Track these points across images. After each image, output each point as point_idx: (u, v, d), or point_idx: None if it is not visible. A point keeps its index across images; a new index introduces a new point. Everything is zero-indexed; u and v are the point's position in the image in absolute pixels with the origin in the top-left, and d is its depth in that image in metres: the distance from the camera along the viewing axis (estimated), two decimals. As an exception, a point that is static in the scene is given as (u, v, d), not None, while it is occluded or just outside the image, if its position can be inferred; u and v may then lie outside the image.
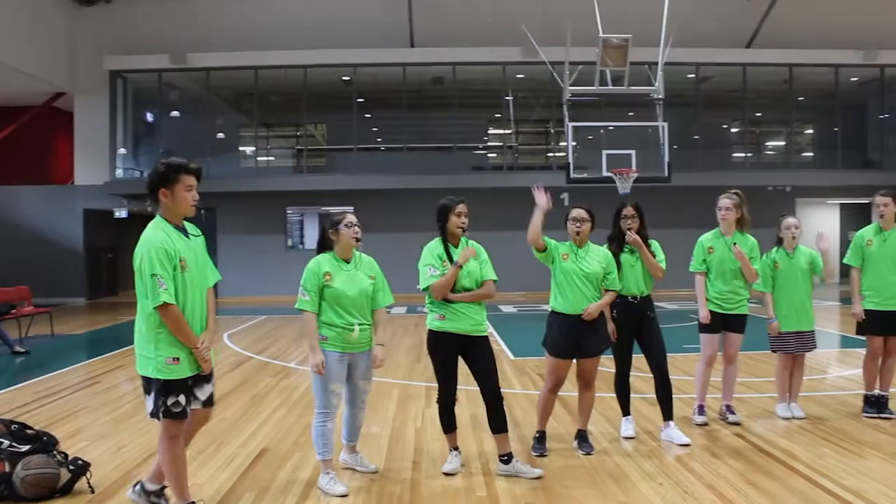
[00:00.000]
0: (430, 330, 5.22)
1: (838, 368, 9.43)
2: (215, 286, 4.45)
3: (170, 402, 4.08)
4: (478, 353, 5.18)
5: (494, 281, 5.28)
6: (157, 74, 20.93)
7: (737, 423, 6.46)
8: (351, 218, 4.98)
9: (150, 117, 22.49)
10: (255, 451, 5.93)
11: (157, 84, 21.11)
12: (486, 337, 5.27)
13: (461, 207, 5.21)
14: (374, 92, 22.48)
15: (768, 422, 6.59)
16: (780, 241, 6.78)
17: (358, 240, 4.99)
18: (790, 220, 6.76)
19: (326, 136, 23.97)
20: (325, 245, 5.08)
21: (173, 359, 4.07)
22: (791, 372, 6.80)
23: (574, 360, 5.67)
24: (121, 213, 20.81)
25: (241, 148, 23.38)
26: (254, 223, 21.37)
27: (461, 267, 5.12)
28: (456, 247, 5.22)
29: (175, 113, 22.91)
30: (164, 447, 4.20)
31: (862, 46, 20.99)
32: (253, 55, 20.36)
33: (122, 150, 21.69)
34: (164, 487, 4.50)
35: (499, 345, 11.57)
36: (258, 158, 22.81)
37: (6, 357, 11.27)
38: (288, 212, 21.86)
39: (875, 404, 6.74)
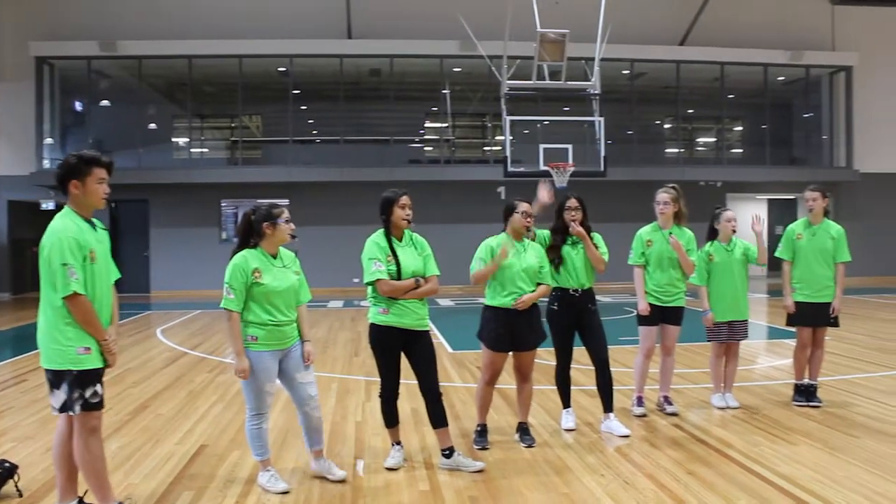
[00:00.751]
0: (372, 324, 5.17)
1: (769, 359, 9.69)
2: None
3: (87, 393, 3.98)
4: (419, 348, 5.15)
5: (437, 276, 5.27)
6: (87, 62, 20.27)
7: (674, 414, 6.59)
8: (287, 213, 4.88)
9: (78, 106, 21.78)
10: (193, 448, 5.79)
11: (87, 72, 20.45)
12: (428, 332, 5.25)
13: (405, 199, 5.16)
14: (311, 83, 22.20)
15: (704, 412, 6.74)
16: (713, 234, 6.94)
17: (294, 236, 4.88)
18: (729, 214, 6.93)
19: (262, 128, 23.59)
20: (249, 239, 4.85)
21: (84, 348, 3.99)
22: (725, 362, 6.98)
23: (510, 354, 5.70)
24: (47, 205, 20.09)
25: (174, 139, 22.84)
26: (187, 216, 20.91)
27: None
28: (399, 240, 5.18)
29: (105, 102, 22.24)
30: (83, 443, 4.04)
31: (789, 47, 21.63)
32: (187, 44, 19.87)
33: (48, 140, 20.95)
34: (80, 500, 4.28)
35: (437, 338, 11.56)
36: (192, 150, 22.31)
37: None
38: (222, 204, 21.44)
39: (804, 393, 6.94)
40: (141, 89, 21.05)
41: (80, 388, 3.97)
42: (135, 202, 20.38)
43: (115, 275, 4.35)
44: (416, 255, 5.17)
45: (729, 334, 6.89)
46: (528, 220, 5.61)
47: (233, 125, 22.58)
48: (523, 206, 5.63)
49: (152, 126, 22.20)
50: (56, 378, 4.00)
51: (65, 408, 4.00)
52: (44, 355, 4.04)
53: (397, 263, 5.04)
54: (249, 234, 4.85)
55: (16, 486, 4.78)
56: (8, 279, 20.56)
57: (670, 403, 6.69)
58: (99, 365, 4.05)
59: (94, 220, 4.24)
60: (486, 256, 5.56)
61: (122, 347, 11.58)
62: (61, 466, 4.19)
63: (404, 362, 5.22)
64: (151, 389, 8.05)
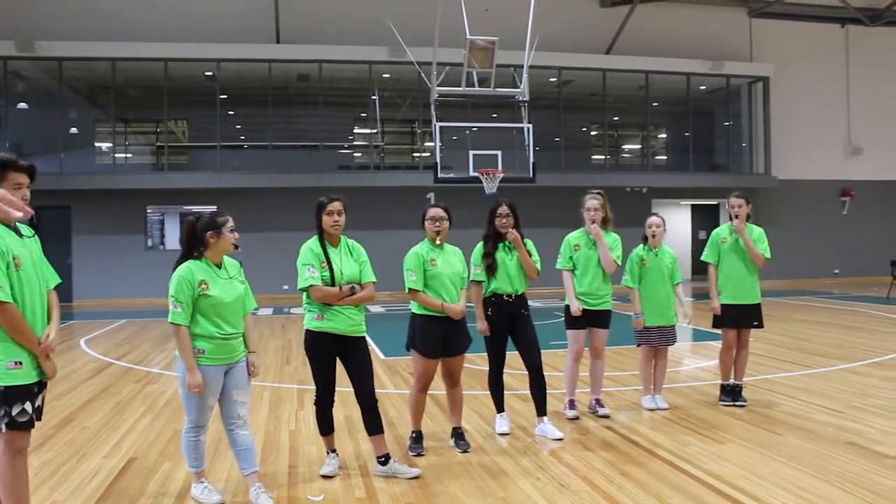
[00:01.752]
0: (307, 330, 5.12)
1: (695, 360, 9.94)
2: (56, 288, 4.18)
3: (14, 411, 3.73)
4: (355, 354, 5.13)
5: (374, 282, 5.25)
6: (2, 62, 19.56)
7: (606, 416, 6.70)
8: (232, 222, 4.72)
9: (-7, 108, 21.00)
10: (122, 461, 5.63)
11: (2, 72, 19.73)
12: (364, 338, 5.23)
13: (333, 206, 5.09)
14: (239, 88, 21.90)
15: (634, 413, 6.88)
16: (645, 239, 7.10)
17: (237, 246, 4.74)
18: (652, 219, 7.10)
19: (188, 133, 23.14)
20: (192, 248, 4.66)
21: (15, 362, 3.73)
22: (654, 364, 7.14)
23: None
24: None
25: (97, 144, 22.23)
26: (111, 223, 20.35)
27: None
28: (335, 246, 5.15)
29: (24, 105, 21.50)
30: (5, 464, 3.80)
31: (710, 57, 22.32)
32: (110, 46, 19.35)
33: (-42, 144, 20.18)
34: None
35: (370, 345, 11.52)
36: (116, 155, 21.75)
37: None
38: (148, 211, 20.97)
39: (730, 393, 7.15)
40: (62, 92, 20.39)
41: (6, 405, 3.73)
42: (56, 209, 19.73)
43: (54, 279, 4.12)
44: (351, 261, 5.15)
45: (660, 339, 7.05)
46: (438, 225, 5.63)
47: (158, 130, 22.09)
48: (431, 212, 5.67)
49: (74, 130, 21.55)
50: None
51: None
52: None
53: (331, 270, 5.01)
54: (193, 244, 4.66)
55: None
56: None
57: (602, 406, 6.81)
58: (30, 380, 3.80)
59: (20, 224, 3.99)
60: (417, 267, 5.58)
61: (43, 359, 11.21)
62: None
63: (340, 369, 5.19)
64: (76, 401, 7.80)
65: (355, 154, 23.76)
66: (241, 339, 4.74)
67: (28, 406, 3.79)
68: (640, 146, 25.03)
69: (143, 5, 19.96)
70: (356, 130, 23.69)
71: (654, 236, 7.04)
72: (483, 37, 15.38)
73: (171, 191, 20.25)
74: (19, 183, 3.91)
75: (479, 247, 6.19)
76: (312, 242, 5.13)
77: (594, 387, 6.89)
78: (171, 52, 19.67)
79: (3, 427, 3.73)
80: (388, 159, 23.41)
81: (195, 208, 21.34)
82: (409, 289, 5.64)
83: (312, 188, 18.58)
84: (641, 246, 7.11)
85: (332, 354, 5.11)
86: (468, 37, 15.30)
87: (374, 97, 21.32)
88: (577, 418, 6.65)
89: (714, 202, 23.97)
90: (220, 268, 4.68)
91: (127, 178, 20.38)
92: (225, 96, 21.16)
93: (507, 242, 6.14)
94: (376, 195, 20.55)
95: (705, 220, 24.37)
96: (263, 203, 20.40)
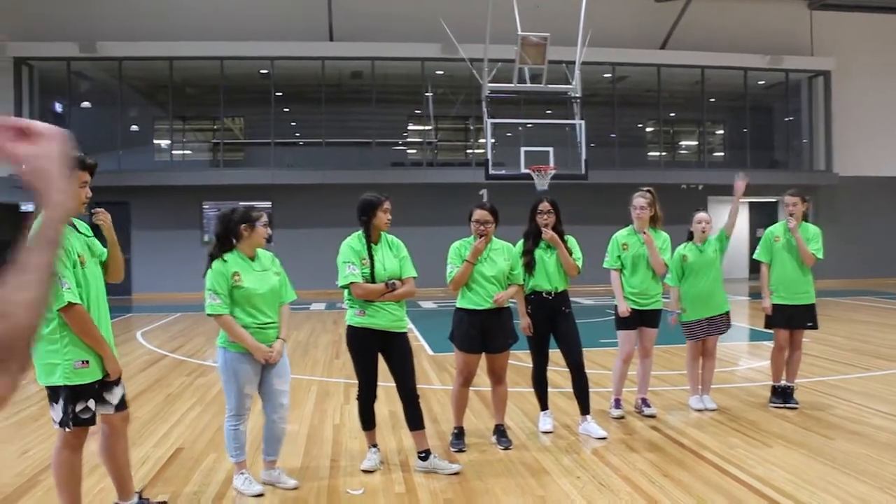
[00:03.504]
0: (349, 326, 5.16)
1: (747, 361, 9.74)
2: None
3: (78, 408, 3.86)
4: (396, 350, 5.15)
5: (414, 278, 5.26)
6: (66, 63, 20.12)
7: (652, 416, 6.60)
8: (266, 216, 4.85)
9: (58, 108, 21.62)
10: (169, 451, 5.76)
11: (66, 73, 20.30)
12: (406, 333, 5.24)
13: (388, 204, 5.18)
14: (293, 86, 22.15)
15: (681, 414, 6.77)
16: (690, 236, 6.98)
17: (269, 240, 4.85)
18: (700, 215, 6.97)
19: (244, 130, 23.51)
20: (227, 241, 4.79)
21: (82, 362, 3.85)
22: (702, 364, 7.00)
23: (483, 356, 5.70)
24: (27, 207, 19.95)
25: (155, 141, 22.71)
26: (169, 218, 20.78)
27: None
28: (376, 243, 5.17)
29: (86, 104, 22.10)
30: (61, 459, 3.97)
31: (768, 52, 21.78)
32: (167, 45, 19.75)
33: (29, 142, 20.78)
34: (139, 495, 4.38)
35: (418, 340, 11.56)
36: (173, 152, 22.21)
37: None
38: (204, 206, 21.34)
39: (781, 395, 6.99)
40: (122, 91, 20.90)
41: (71, 403, 3.85)
42: (116, 204, 20.16)
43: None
44: (392, 256, 5.16)
45: (708, 329, 6.91)
46: (483, 229, 5.56)
47: (215, 127, 22.47)
48: (477, 215, 5.61)
49: (134, 128, 22.08)
50: (53, 393, 3.89)
51: (63, 422, 3.87)
52: (38, 371, 3.87)
53: (372, 266, 5.03)
54: (227, 236, 4.78)
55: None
56: (-14, 282, 20.34)
57: (648, 406, 6.71)
58: (95, 378, 3.92)
59: (77, 222, 4.11)
60: (457, 260, 5.58)
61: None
62: (109, 468, 4.31)
63: (382, 364, 5.21)
64: (129, 393, 7.90)
65: (409, 151, 23.83)
66: (277, 328, 4.81)
67: (91, 403, 3.91)
68: (696, 143, 24.60)
69: (199, 5, 20.32)
70: (410, 127, 23.77)
71: (703, 232, 6.91)
72: (535, 33, 15.30)
73: (227, 187, 20.56)
74: (84, 181, 4.01)
75: (520, 244, 6.15)
76: (353, 239, 5.16)
77: (641, 386, 6.80)
78: (227, 51, 19.98)
79: (71, 425, 3.85)
80: (441, 156, 23.43)
81: (250, 204, 21.63)
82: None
83: (365, 184, 18.61)
84: (685, 244, 6.97)
85: (373, 350, 5.13)
86: (520, 33, 15.23)
87: (427, 94, 21.37)
88: (622, 417, 6.57)
89: (772, 199, 23.36)
90: (253, 260, 4.79)
91: (183, 174, 20.78)
92: (280, 94, 21.42)
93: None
94: (429, 192, 20.59)
95: (763, 217, 23.80)
96: (317, 199, 20.59)
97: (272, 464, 4.94)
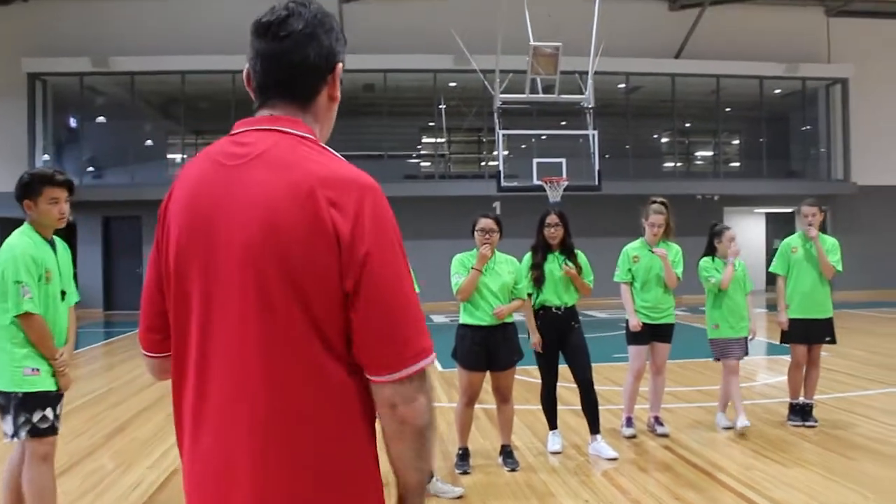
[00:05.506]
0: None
1: (765, 376, 9.49)
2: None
3: (35, 417, 3.77)
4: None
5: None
6: (79, 78, 20.16)
7: (664, 435, 6.38)
8: None
9: (73, 122, 21.68)
10: (164, 474, 5.59)
11: (79, 88, 20.35)
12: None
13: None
14: (306, 98, 22.09)
15: (696, 433, 6.53)
16: (712, 250, 6.70)
17: None
18: (730, 233, 6.65)
19: (256, 144, 23.46)
20: None
21: (32, 369, 3.79)
22: (728, 381, 6.69)
23: (488, 374, 5.52)
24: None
25: (169, 156, 22.71)
26: (180, 232, 20.73)
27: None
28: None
29: (101, 119, 22.17)
30: (34, 473, 3.83)
31: (784, 60, 21.48)
32: (178, 59, 19.75)
33: (45, 157, 20.88)
34: None
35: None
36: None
37: None
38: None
39: (800, 412, 6.75)
40: (135, 105, 20.93)
41: (26, 412, 3.77)
42: (127, 219, 20.21)
43: (74, 297, 4.16)
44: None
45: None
46: (487, 237, 5.43)
47: (228, 141, 22.42)
48: (481, 223, 5.48)
49: (149, 143, 22.13)
50: (5, 401, 3.80)
51: (14, 434, 3.80)
52: None
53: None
54: None
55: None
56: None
57: (661, 424, 6.48)
58: (49, 388, 3.85)
59: (56, 238, 4.08)
60: (462, 270, 5.44)
61: (109, 366, 11.44)
62: (7, 497, 4.01)
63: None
64: (131, 410, 7.85)
65: (422, 164, 23.70)
66: None
67: (49, 413, 3.85)
68: (711, 153, 24.32)
69: (210, 19, 20.29)
70: (424, 140, 23.64)
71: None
72: (547, 43, 15.14)
73: (239, 201, 20.50)
74: (55, 198, 3.94)
75: (527, 258, 5.98)
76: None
77: (654, 404, 6.58)
78: (238, 65, 19.83)
79: (24, 434, 3.77)
80: (454, 168, 23.29)
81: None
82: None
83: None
84: (711, 259, 6.71)
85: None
86: (532, 43, 15.08)
87: (441, 106, 21.26)
88: (634, 436, 6.35)
89: (789, 210, 23.05)
90: None
91: (196, 188, 20.72)
92: (292, 107, 21.34)
93: (556, 253, 5.92)
94: (441, 204, 20.43)
95: (780, 228, 23.48)
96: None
97: None
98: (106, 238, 20.39)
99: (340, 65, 1.67)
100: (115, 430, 7.00)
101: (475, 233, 5.53)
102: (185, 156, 22.10)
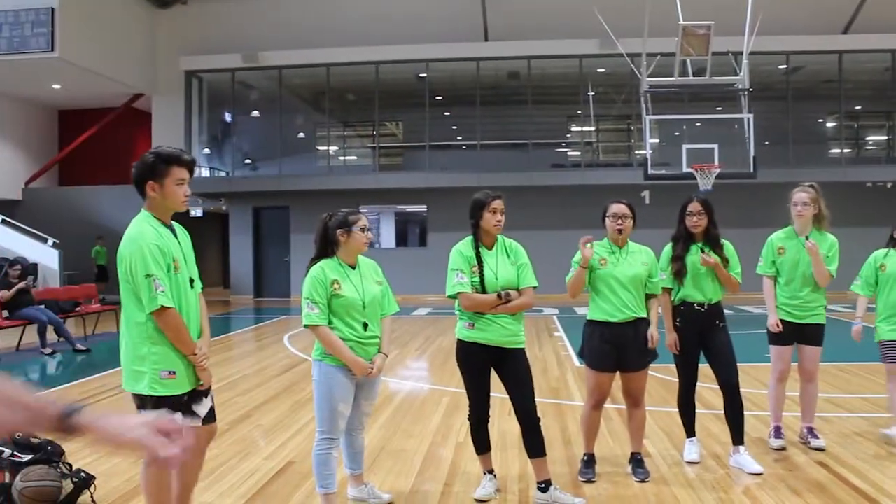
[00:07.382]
0: (458, 340, 4.66)
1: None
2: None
3: None
4: (511, 368, 4.57)
5: (534, 288, 4.68)
6: (231, 73, 20.96)
7: (820, 449, 5.62)
8: (365, 221, 4.43)
9: (227, 117, 22.62)
10: (280, 464, 5.48)
11: (231, 83, 21.16)
12: (522, 350, 4.64)
13: (497, 203, 4.68)
14: (448, 88, 22.03)
15: (858, 448, 5.71)
16: (892, 243, 5.93)
17: (372, 244, 4.43)
18: None
19: (403, 134, 23.66)
20: (325, 247, 4.42)
21: (169, 372, 3.59)
22: (891, 387, 5.91)
23: (618, 375, 5.05)
24: (196, 213, 20.91)
25: (318, 147, 23.26)
26: (327, 222, 21.18)
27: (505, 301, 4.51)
28: (490, 248, 4.66)
29: (255, 113, 23.06)
30: (151, 473, 3.70)
31: (974, 30, 19.36)
32: (323, 52, 20.16)
33: (206, 151, 21.96)
34: None
35: (566, 350, 10.96)
36: (338, 157, 22.75)
37: (69, 354, 11.28)
38: (362, 210, 21.54)
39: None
40: (283, 98, 21.57)
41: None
42: (276, 209, 20.86)
43: (198, 285, 3.91)
44: (508, 264, 4.62)
45: None
46: (620, 223, 5.00)
47: (374, 132, 22.72)
48: (614, 208, 5.12)
49: (301, 135, 22.82)
50: (139, 402, 3.66)
51: None
52: (125, 377, 3.67)
53: (481, 274, 4.51)
54: (326, 243, 4.42)
55: (91, 497, 4.64)
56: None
57: (816, 436, 5.74)
58: (185, 390, 3.66)
59: (175, 223, 3.84)
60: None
61: (247, 353, 11.67)
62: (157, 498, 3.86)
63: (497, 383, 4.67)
64: (259, 398, 7.88)
65: (570, 153, 23.08)
66: (377, 345, 4.37)
67: (178, 417, 3.61)
68: (885, 137, 22.36)
69: (354, 12, 20.51)
70: (573, 128, 23.03)
71: None
72: (697, 22, 14.26)
73: (384, 190, 20.73)
74: (182, 179, 3.69)
75: (667, 249, 5.45)
76: (463, 245, 4.67)
77: (806, 413, 5.85)
78: (381, 55, 20.12)
79: None
80: (603, 157, 22.61)
81: (407, 208, 21.77)
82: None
83: (521, 187, 18.22)
84: (885, 251, 5.94)
85: (485, 367, 4.60)
86: (681, 23, 14.24)
87: (590, 94, 20.64)
88: (783, 449, 5.66)
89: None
90: (353, 268, 4.39)
91: (341, 178, 21.10)
92: (440, 98, 21.35)
93: (700, 244, 5.35)
94: (588, 193, 19.78)
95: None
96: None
97: (359, 478, 4.65)
98: (256, 227, 21.14)
99: None
100: (241, 417, 7.01)
101: (606, 219, 5.11)
102: (329, 147, 22.55)
